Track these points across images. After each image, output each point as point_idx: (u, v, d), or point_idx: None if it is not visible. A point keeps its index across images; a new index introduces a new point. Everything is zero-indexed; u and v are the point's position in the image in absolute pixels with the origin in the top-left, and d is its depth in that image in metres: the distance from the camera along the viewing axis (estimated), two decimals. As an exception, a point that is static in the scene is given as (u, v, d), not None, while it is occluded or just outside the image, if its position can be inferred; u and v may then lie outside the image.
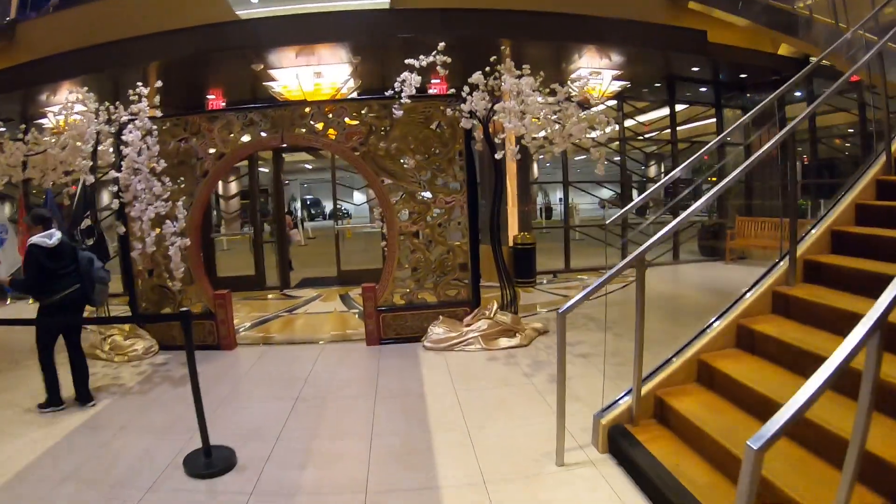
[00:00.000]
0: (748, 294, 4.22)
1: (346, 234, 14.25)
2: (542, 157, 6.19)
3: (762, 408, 3.15)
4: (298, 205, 36.66)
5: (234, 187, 16.94)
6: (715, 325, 4.10)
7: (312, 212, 37.33)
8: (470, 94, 5.83)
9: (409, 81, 6.02)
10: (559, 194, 30.57)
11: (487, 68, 5.99)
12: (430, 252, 6.46)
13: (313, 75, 9.54)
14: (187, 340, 3.66)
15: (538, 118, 5.45)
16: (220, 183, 13.62)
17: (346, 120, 6.44)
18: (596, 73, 9.34)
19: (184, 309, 3.69)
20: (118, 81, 9.61)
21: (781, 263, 4.34)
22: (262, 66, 9.62)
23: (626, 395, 3.86)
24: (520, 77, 5.64)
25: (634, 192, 14.01)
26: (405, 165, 6.35)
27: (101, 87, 9.11)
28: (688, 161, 4.91)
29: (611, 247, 11.60)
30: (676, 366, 3.90)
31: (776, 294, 4.19)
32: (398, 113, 6.10)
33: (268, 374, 5.71)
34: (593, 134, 5.59)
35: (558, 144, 5.72)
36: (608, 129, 5.65)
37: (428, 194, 6.36)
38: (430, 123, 6.29)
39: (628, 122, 12.31)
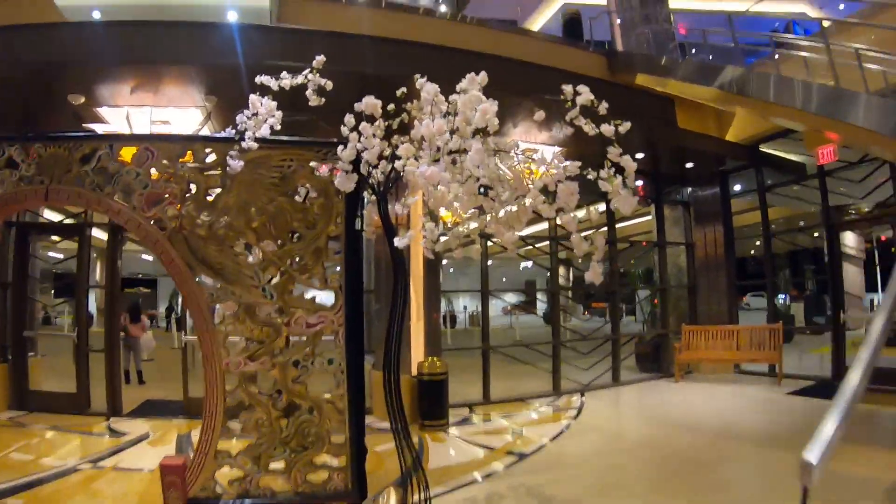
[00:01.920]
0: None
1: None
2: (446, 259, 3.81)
3: None
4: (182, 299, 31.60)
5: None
6: None
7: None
8: (355, 129, 3.28)
9: (261, 111, 3.49)
10: (462, 301, 28.55)
11: (392, 106, 3.59)
12: (280, 408, 3.71)
13: (151, 122, 6.80)
14: None
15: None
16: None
17: (153, 171, 3.77)
18: (531, 150, 7.31)
19: None
20: None
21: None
22: (82, 100, 6.80)
23: None
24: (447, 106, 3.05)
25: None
26: (247, 258, 3.69)
27: None
28: None
29: (528, 365, 9.20)
30: None
31: None
32: (235, 165, 3.48)
33: None
34: (576, 213, 3.12)
35: (510, 229, 3.29)
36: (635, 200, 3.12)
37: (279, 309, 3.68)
38: (289, 188, 3.68)
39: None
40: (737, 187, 11.58)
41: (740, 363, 10.15)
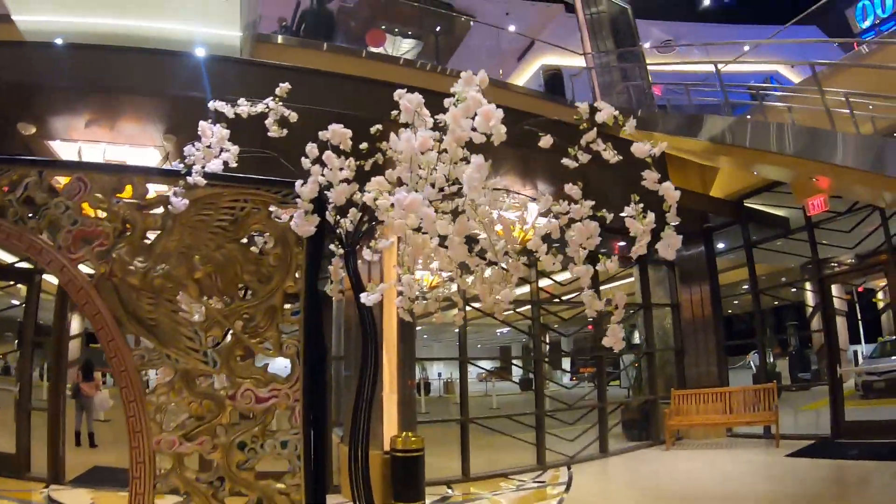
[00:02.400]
0: None
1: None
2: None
3: None
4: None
5: (74, 325, 11.77)
6: None
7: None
8: (317, 162, 2.79)
9: (211, 141, 2.98)
10: (436, 367, 27.42)
11: (364, 144, 3.13)
12: (222, 498, 3.03)
13: (105, 161, 6.25)
14: None
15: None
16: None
17: (85, 206, 3.20)
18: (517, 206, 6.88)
19: None
20: None
21: None
22: (33, 130, 6.26)
23: None
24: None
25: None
26: (188, 315, 3.08)
27: None
28: None
29: (504, 436, 8.38)
30: None
31: None
32: (178, 203, 2.93)
33: None
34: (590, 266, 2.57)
35: (501, 289, 2.79)
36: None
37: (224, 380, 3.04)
38: (240, 234, 3.12)
39: (543, 282, 9.81)
40: (720, 245, 11.35)
41: (735, 427, 9.63)
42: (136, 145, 6.30)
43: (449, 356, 7.91)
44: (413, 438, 6.01)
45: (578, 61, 12.17)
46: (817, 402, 10.92)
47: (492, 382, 19.54)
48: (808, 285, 11.26)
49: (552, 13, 17.10)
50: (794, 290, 16.14)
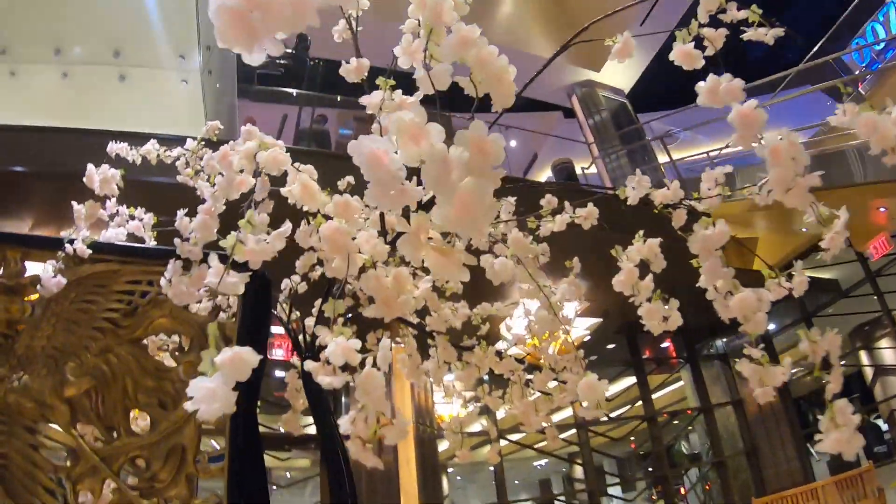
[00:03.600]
0: None
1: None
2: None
3: None
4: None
5: None
6: None
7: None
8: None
9: (95, 185, 2.06)
10: None
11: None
12: None
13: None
14: None
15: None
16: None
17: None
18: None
19: None
20: None
21: None
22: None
23: None
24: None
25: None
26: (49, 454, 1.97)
27: None
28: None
29: None
30: None
31: None
32: (50, 284, 1.91)
33: None
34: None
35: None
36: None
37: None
38: (140, 332, 1.97)
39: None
40: (772, 326, 10.13)
41: (835, 526, 7.84)
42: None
43: (486, 501, 6.52)
44: None
45: (585, 158, 11.89)
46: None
47: None
48: (886, 342, 10.06)
49: (551, 121, 17.11)
50: (842, 362, 14.54)
